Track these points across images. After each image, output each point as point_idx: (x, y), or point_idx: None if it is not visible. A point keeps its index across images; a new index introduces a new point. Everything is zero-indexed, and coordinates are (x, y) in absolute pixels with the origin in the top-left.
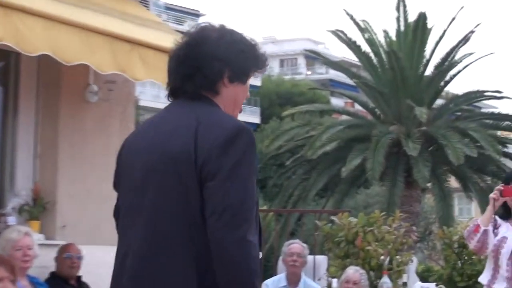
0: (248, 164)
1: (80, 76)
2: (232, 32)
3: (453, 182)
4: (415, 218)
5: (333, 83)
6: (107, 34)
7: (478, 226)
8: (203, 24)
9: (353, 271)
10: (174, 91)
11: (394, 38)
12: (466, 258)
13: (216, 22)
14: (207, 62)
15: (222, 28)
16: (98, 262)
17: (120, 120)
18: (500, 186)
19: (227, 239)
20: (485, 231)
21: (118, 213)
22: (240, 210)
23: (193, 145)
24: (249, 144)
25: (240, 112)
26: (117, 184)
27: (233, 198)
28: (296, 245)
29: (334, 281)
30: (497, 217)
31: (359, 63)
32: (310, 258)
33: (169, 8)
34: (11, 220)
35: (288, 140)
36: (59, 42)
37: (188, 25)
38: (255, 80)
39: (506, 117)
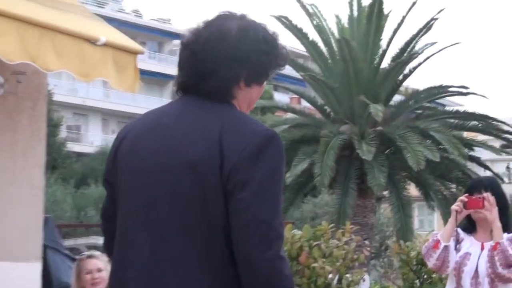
0: (279, 175)
1: None
2: (255, 27)
3: (413, 190)
4: (369, 231)
5: (276, 76)
6: (13, 17)
7: (438, 241)
8: (223, 13)
9: None
10: (185, 87)
11: (346, 25)
12: (425, 276)
13: (138, 4)
14: (225, 64)
15: (244, 21)
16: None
17: (29, 116)
18: (463, 197)
19: (262, 257)
20: (446, 247)
21: (107, 214)
22: (274, 225)
23: (218, 151)
24: (280, 153)
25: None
26: (112, 183)
27: (267, 212)
28: None
29: None
30: (459, 230)
31: (306, 54)
32: None
33: None
34: None
35: None
36: None
37: (110, 8)
38: (175, 70)
39: (472, 116)
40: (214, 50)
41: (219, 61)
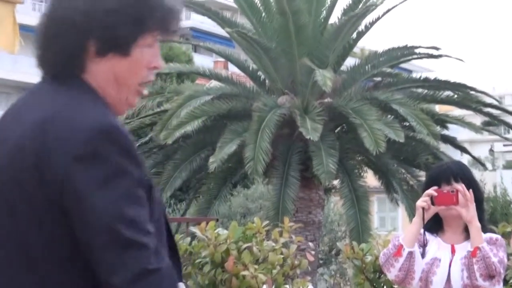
0: (124, 179)
1: None
2: None
3: (371, 179)
4: (316, 230)
5: (197, 33)
6: None
7: (400, 247)
8: None
9: None
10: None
11: None
12: (384, 287)
13: None
14: (63, 30)
15: None
16: None
17: None
18: (431, 190)
19: (119, 278)
20: (411, 254)
21: None
22: (127, 232)
23: (39, 149)
24: (120, 151)
25: (142, 91)
26: None
27: (112, 218)
28: None
29: None
30: (422, 231)
31: (234, 5)
32: None
33: None
34: None
35: (131, 116)
36: None
37: None
38: None
39: (446, 84)
40: (52, 11)
41: (57, 27)
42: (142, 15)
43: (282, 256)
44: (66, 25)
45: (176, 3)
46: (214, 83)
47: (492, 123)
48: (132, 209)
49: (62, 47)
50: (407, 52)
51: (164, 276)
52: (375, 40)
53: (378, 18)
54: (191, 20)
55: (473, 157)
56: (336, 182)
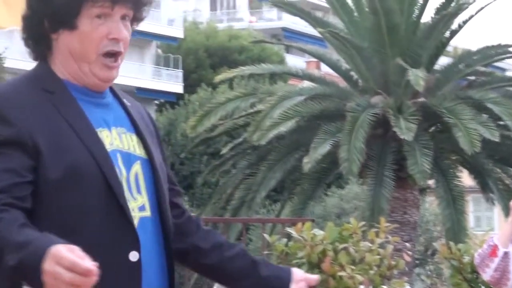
0: None
1: None
2: None
3: (466, 179)
4: (411, 230)
5: (289, 33)
6: None
7: (495, 247)
8: None
9: None
10: None
11: None
12: None
13: None
14: (29, 16)
15: None
16: None
17: None
18: None
19: None
20: (506, 255)
21: None
22: None
23: None
24: None
25: (107, 62)
26: None
27: None
28: None
29: None
30: None
31: (326, 5)
32: None
33: None
34: None
35: (225, 117)
36: None
37: None
38: (174, 30)
39: None
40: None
41: (26, 12)
42: None
43: (379, 256)
44: (29, 11)
45: None
46: (306, 84)
47: None
48: None
49: (30, 33)
50: (501, 51)
51: None
52: (468, 38)
53: (471, 17)
54: (283, 20)
55: None
56: (431, 182)
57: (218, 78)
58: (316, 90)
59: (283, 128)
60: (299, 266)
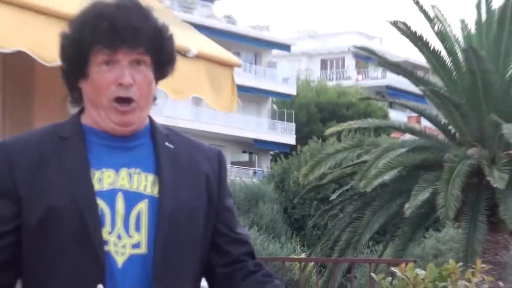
0: None
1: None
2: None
3: None
4: (502, 270)
5: (392, 91)
6: None
7: None
8: None
9: None
10: None
11: (473, 31)
12: None
13: (231, 9)
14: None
15: None
16: None
17: None
18: None
19: None
20: None
21: None
22: None
23: None
24: None
25: (119, 107)
26: None
27: None
28: None
29: None
30: None
31: (426, 65)
32: None
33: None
34: None
35: (333, 167)
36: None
37: (199, 14)
38: (288, 87)
39: None
40: None
41: None
42: (78, 41)
43: None
44: (62, 67)
45: (114, 16)
46: (408, 136)
47: None
48: None
49: (67, 86)
50: None
51: None
52: None
53: None
54: (387, 79)
55: None
56: None
57: (328, 131)
58: (417, 143)
59: (386, 177)
60: None
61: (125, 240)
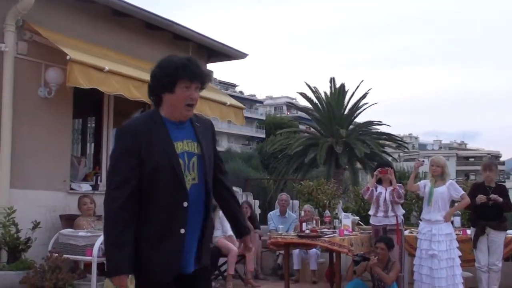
0: (114, 152)
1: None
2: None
3: None
4: None
5: None
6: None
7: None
8: None
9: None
10: None
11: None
12: None
13: (248, 90)
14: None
15: None
16: None
17: None
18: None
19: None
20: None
21: None
22: (108, 178)
23: None
24: (116, 139)
25: (188, 108)
26: None
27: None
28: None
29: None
30: None
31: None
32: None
33: (219, 81)
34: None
35: None
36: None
37: (230, 91)
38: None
39: None
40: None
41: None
42: (171, 75)
43: None
44: (152, 84)
45: (191, 66)
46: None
47: None
48: (112, 165)
49: (152, 94)
50: None
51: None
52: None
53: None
54: None
55: None
56: None
57: None
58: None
59: None
60: None
61: (188, 176)
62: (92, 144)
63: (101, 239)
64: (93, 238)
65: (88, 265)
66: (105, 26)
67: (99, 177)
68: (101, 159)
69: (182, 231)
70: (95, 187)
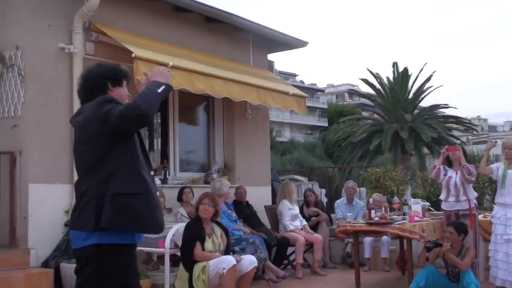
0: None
1: (242, 106)
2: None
3: None
4: None
5: None
6: (255, 86)
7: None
8: None
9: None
10: None
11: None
12: None
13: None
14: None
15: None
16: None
17: (262, 127)
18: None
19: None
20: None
21: None
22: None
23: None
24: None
25: (128, 99)
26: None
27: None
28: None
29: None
30: None
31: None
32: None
33: (280, 72)
34: (215, 175)
35: None
36: (232, 90)
37: (290, 80)
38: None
39: None
40: (86, 76)
41: (85, 81)
42: (116, 74)
43: None
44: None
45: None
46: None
47: None
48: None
49: (91, 89)
50: None
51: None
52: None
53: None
54: None
55: None
56: None
57: None
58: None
59: None
60: None
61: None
62: (159, 139)
63: (173, 230)
64: (165, 230)
65: (161, 257)
66: (166, 22)
67: (167, 171)
68: (168, 153)
69: None
70: (164, 180)
